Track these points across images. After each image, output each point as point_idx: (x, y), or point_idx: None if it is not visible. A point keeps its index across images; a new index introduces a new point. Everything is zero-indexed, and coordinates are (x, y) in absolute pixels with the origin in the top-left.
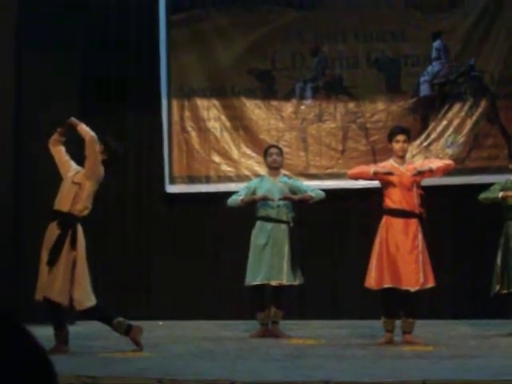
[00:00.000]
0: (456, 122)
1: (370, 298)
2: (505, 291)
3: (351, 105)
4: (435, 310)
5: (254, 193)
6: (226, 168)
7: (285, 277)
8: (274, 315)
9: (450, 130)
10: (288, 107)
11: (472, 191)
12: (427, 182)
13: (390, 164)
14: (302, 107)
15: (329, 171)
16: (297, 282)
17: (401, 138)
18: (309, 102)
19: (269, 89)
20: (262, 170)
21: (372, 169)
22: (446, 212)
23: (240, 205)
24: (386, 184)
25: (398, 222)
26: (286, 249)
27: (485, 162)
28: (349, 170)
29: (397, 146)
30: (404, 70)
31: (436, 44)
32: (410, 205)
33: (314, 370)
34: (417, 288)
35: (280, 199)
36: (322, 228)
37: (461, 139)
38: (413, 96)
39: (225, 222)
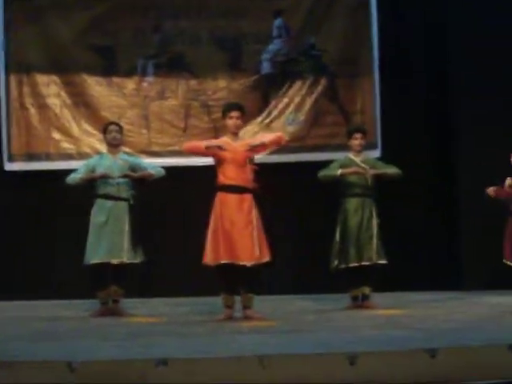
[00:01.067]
0: (296, 100)
1: (209, 274)
2: (343, 266)
3: (193, 82)
4: (275, 285)
5: (93, 170)
6: (66, 145)
7: (125, 255)
8: (115, 294)
9: (291, 107)
10: (130, 84)
11: (312, 168)
12: (269, 158)
13: (223, 140)
14: (144, 84)
15: (170, 148)
16: (138, 260)
17: (234, 114)
18: (151, 79)
19: (110, 65)
20: (103, 147)
21: (204, 143)
22: (287, 189)
23: (79, 183)
24: (220, 160)
25: (232, 198)
26: (127, 226)
27: (324, 140)
28: (183, 144)
29: (230, 122)
30: (246, 48)
31: (277, 22)
32: (243, 180)
33: (152, 348)
34: (252, 263)
35: (120, 177)
36: (163, 205)
37: (301, 117)
38: (254, 74)
39: (64, 200)
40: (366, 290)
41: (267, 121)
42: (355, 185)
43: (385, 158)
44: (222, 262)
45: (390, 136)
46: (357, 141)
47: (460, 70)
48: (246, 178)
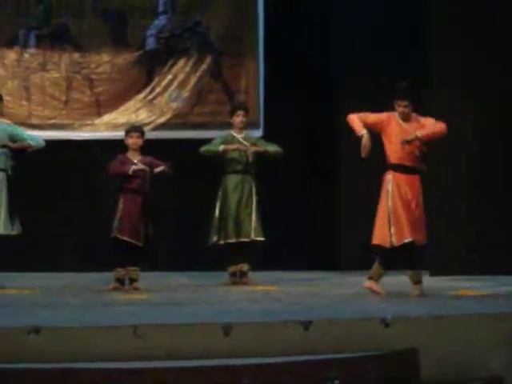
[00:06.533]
0: (181, 77)
1: (91, 250)
2: (221, 242)
3: (76, 55)
4: (155, 262)
5: None
6: None
7: (2, 226)
8: None
9: (175, 84)
10: (11, 55)
11: (195, 145)
12: (151, 135)
13: (393, 119)
14: (26, 55)
15: (52, 121)
16: (15, 232)
17: (403, 103)
18: (32, 50)
19: None
20: None
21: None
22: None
23: None
24: (389, 139)
25: (403, 178)
26: (4, 197)
27: (208, 118)
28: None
29: (400, 109)
30: (131, 23)
31: None
32: (412, 161)
33: (24, 317)
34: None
35: None
36: (45, 178)
37: (185, 94)
38: (138, 49)
39: None
40: (244, 266)
41: (150, 97)
42: (236, 161)
43: (267, 138)
44: (407, 240)
45: (272, 116)
46: (239, 118)
47: (344, 51)
48: (414, 158)
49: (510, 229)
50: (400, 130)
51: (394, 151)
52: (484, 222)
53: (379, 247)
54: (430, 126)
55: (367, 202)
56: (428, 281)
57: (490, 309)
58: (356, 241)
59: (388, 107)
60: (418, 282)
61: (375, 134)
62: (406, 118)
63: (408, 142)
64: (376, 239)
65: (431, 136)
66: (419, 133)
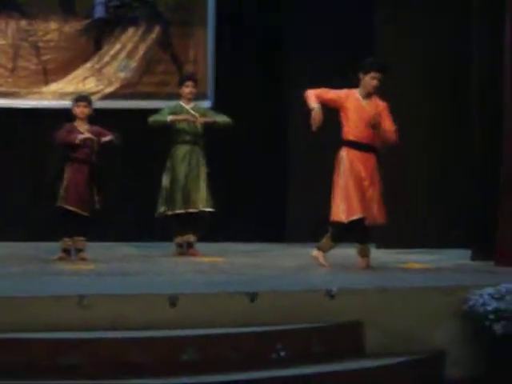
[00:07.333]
0: (129, 47)
1: (37, 219)
2: (169, 213)
3: (23, 22)
4: (102, 232)
5: None
6: None
7: None
8: None
9: (123, 54)
10: None
11: (143, 116)
12: (98, 104)
13: (353, 95)
14: None
15: None
16: None
17: (375, 74)
18: None
19: None
20: None
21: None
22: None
23: None
24: (346, 116)
25: (358, 155)
26: None
27: (156, 88)
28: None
29: (372, 82)
30: None
31: None
32: (368, 139)
33: None
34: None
35: None
36: None
37: (133, 64)
38: (87, 17)
39: None
40: (191, 237)
41: (98, 66)
42: (185, 132)
43: (216, 109)
44: (357, 217)
45: (222, 87)
46: (188, 88)
47: (294, 23)
48: (371, 135)
49: (457, 203)
50: (359, 106)
51: (351, 128)
52: (431, 196)
53: (334, 222)
54: (391, 130)
55: (315, 175)
56: (375, 253)
57: (436, 282)
58: (303, 213)
59: (337, 80)
60: (365, 255)
61: (331, 109)
62: (367, 95)
63: (373, 126)
64: (332, 216)
65: (386, 136)
66: (387, 125)
